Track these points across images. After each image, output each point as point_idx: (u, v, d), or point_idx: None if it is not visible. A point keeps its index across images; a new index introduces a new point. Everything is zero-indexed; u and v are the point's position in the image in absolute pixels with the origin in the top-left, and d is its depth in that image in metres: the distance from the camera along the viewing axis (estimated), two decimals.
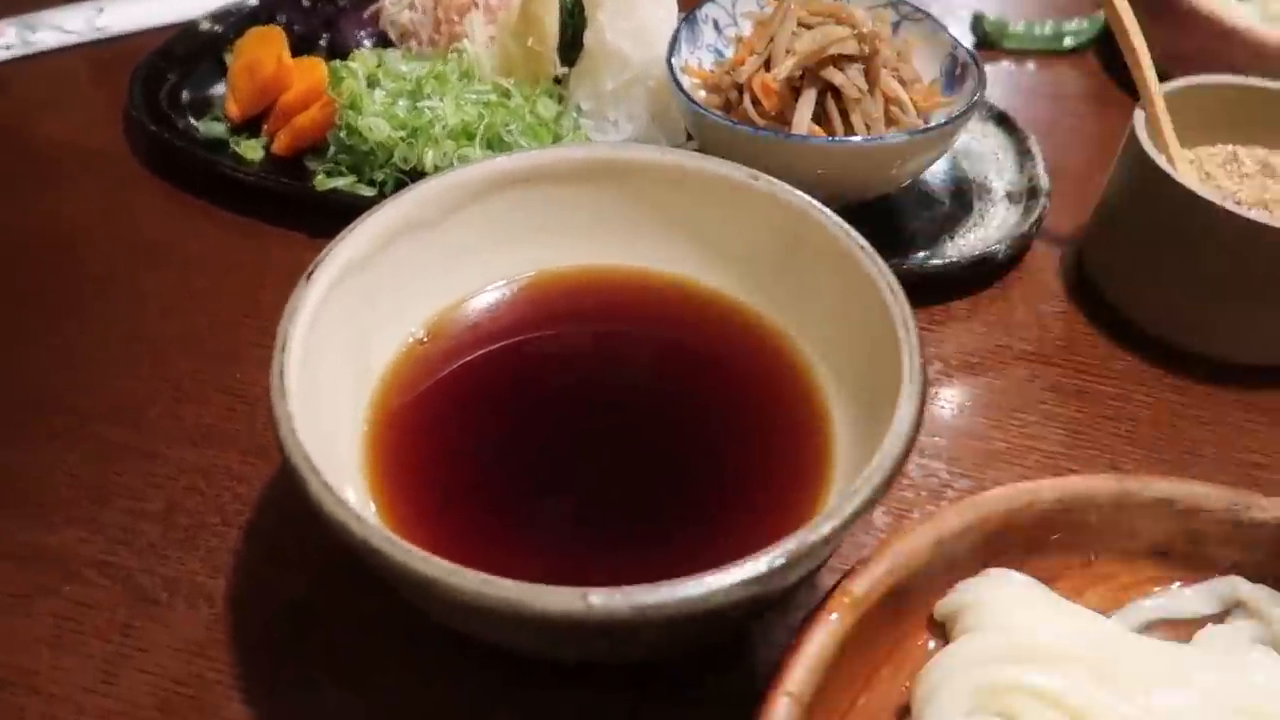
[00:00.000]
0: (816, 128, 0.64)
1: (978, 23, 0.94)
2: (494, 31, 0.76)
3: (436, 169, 0.67)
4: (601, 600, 0.33)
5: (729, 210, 0.52)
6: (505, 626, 0.36)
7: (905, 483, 0.55)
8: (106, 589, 0.49)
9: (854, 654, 0.40)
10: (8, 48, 0.87)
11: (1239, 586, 0.43)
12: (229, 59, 0.79)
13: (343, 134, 0.67)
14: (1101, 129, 0.85)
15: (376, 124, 0.67)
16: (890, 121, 0.66)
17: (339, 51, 0.79)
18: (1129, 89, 0.65)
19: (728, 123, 0.63)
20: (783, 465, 0.47)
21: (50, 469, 0.54)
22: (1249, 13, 0.85)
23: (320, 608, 0.48)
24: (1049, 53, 0.94)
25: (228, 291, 0.65)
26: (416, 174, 0.68)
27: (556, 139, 0.71)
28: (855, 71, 0.64)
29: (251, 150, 0.72)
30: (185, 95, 0.78)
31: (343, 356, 0.47)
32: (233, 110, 0.75)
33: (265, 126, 0.74)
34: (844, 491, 0.37)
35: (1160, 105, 0.63)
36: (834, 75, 0.63)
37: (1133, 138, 0.63)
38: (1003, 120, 0.78)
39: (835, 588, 0.39)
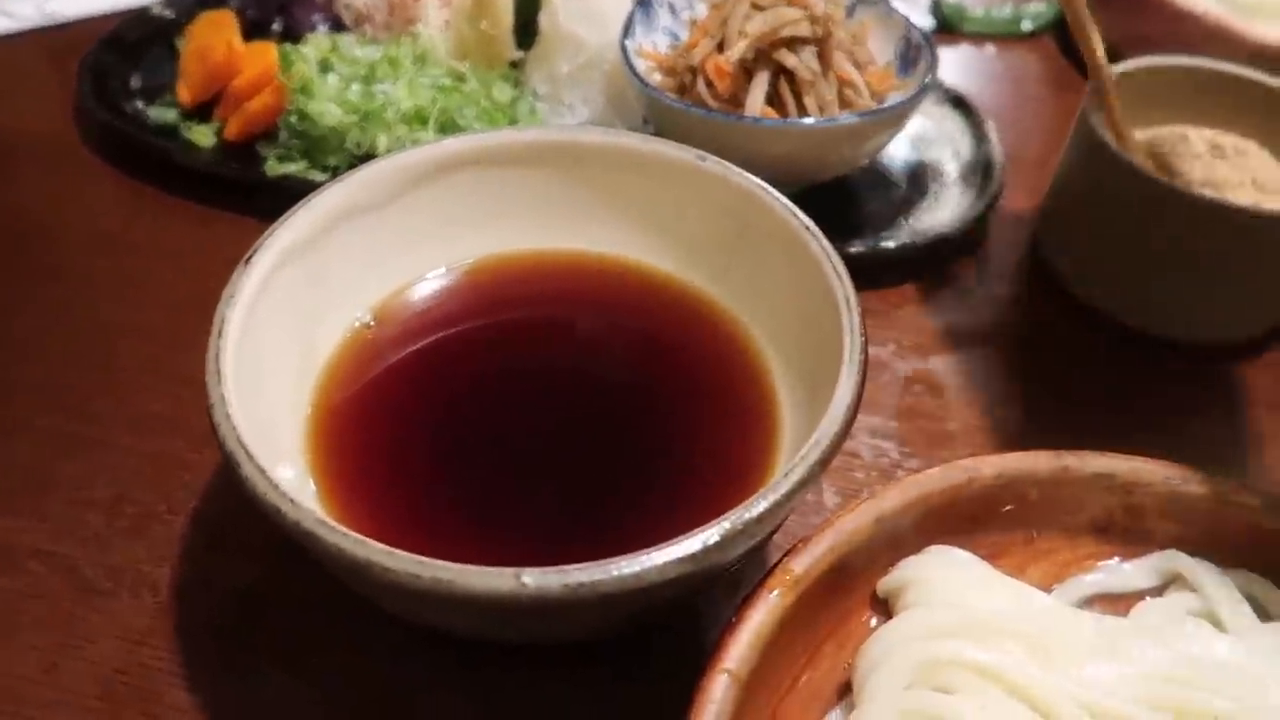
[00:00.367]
0: (770, 110, 0.64)
1: (937, 6, 0.94)
2: (449, 15, 0.75)
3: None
4: (534, 580, 0.33)
5: (678, 192, 0.52)
6: (441, 608, 0.36)
7: (856, 463, 0.56)
8: (49, 579, 0.48)
9: (795, 631, 0.40)
10: None
11: (1177, 560, 0.43)
12: (181, 44, 0.78)
13: (293, 119, 0.67)
14: (1058, 111, 0.85)
15: (328, 108, 0.66)
16: (844, 104, 0.66)
17: (293, 36, 0.78)
18: (1086, 72, 0.65)
19: (680, 105, 0.63)
20: (732, 447, 0.48)
21: None
22: None
23: (267, 594, 0.47)
24: (1008, 36, 0.94)
25: (178, 278, 0.64)
26: (369, 159, 0.67)
27: (512, 123, 0.71)
28: (809, 54, 0.64)
29: (203, 136, 0.72)
30: (137, 81, 0.77)
31: (286, 341, 0.46)
32: (184, 96, 0.74)
33: (217, 112, 0.73)
34: (783, 472, 0.37)
35: (1111, 86, 0.63)
36: (787, 57, 0.63)
37: (1083, 118, 0.63)
38: (959, 103, 0.78)
39: (776, 565, 0.39)
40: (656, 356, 0.52)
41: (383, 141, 0.67)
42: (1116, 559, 0.45)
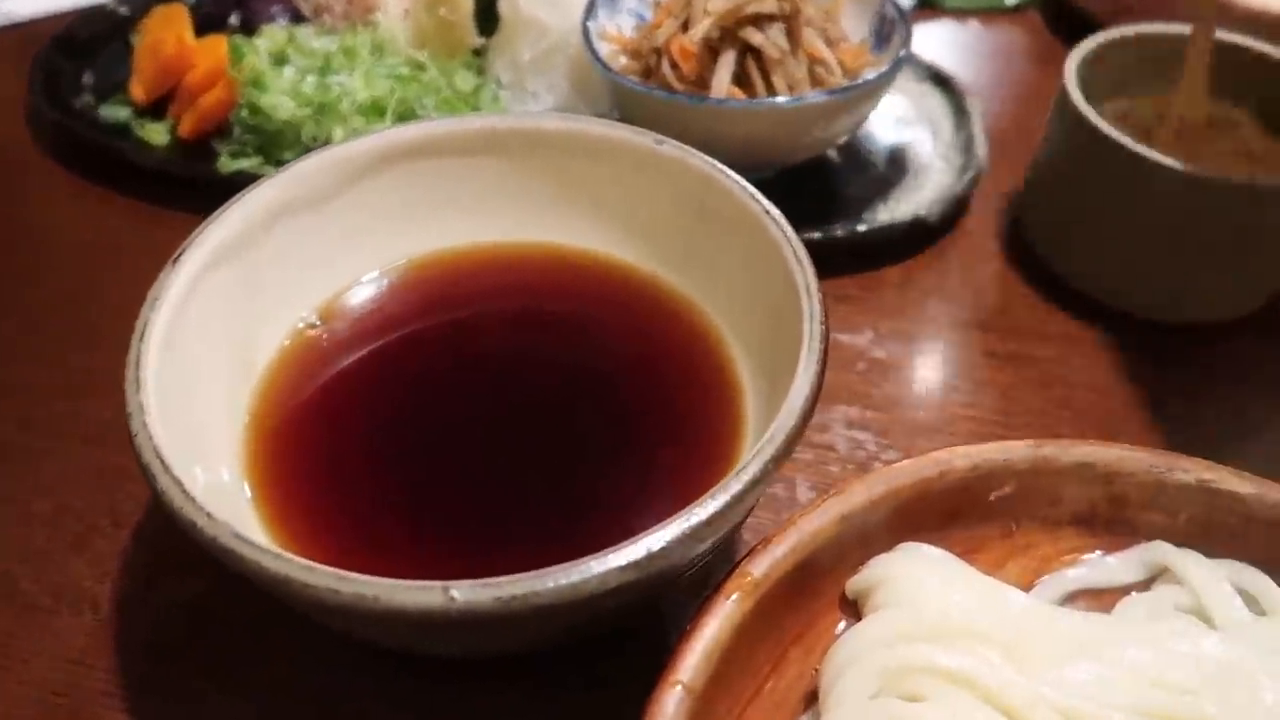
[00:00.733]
0: (737, 90, 0.62)
1: None
2: (409, 3, 0.73)
3: None
4: (463, 594, 0.30)
5: (637, 178, 0.50)
6: (368, 624, 0.34)
7: (831, 456, 0.53)
8: None
9: (757, 637, 0.38)
10: None
11: (1163, 552, 0.41)
12: (136, 41, 0.76)
13: (245, 114, 0.65)
14: (1044, 87, 0.82)
15: (281, 102, 0.64)
16: (816, 82, 0.63)
17: (251, 29, 0.76)
18: (1072, 46, 0.63)
19: (642, 89, 0.60)
20: (696, 442, 0.45)
21: None
22: None
23: (209, 609, 0.45)
24: (992, 11, 0.91)
25: (128, 280, 0.61)
26: None
27: (475, 112, 0.69)
28: (776, 31, 0.62)
29: (156, 134, 0.69)
30: (91, 79, 0.75)
31: (222, 343, 0.44)
32: (138, 93, 0.72)
33: (171, 109, 0.71)
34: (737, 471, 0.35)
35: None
36: (753, 35, 0.61)
37: (1064, 93, 0.60)
38: (940, 80, 0.76)
39: (733, 569, 0.37)
40: (617, 350, 0.49)
41: (339, 134, 0.65)
42: (1099, 552, 0.42)
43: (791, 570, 0.38)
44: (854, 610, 0.41)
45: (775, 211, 0.45)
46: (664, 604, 0.46)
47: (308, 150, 0.65)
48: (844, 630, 0.40)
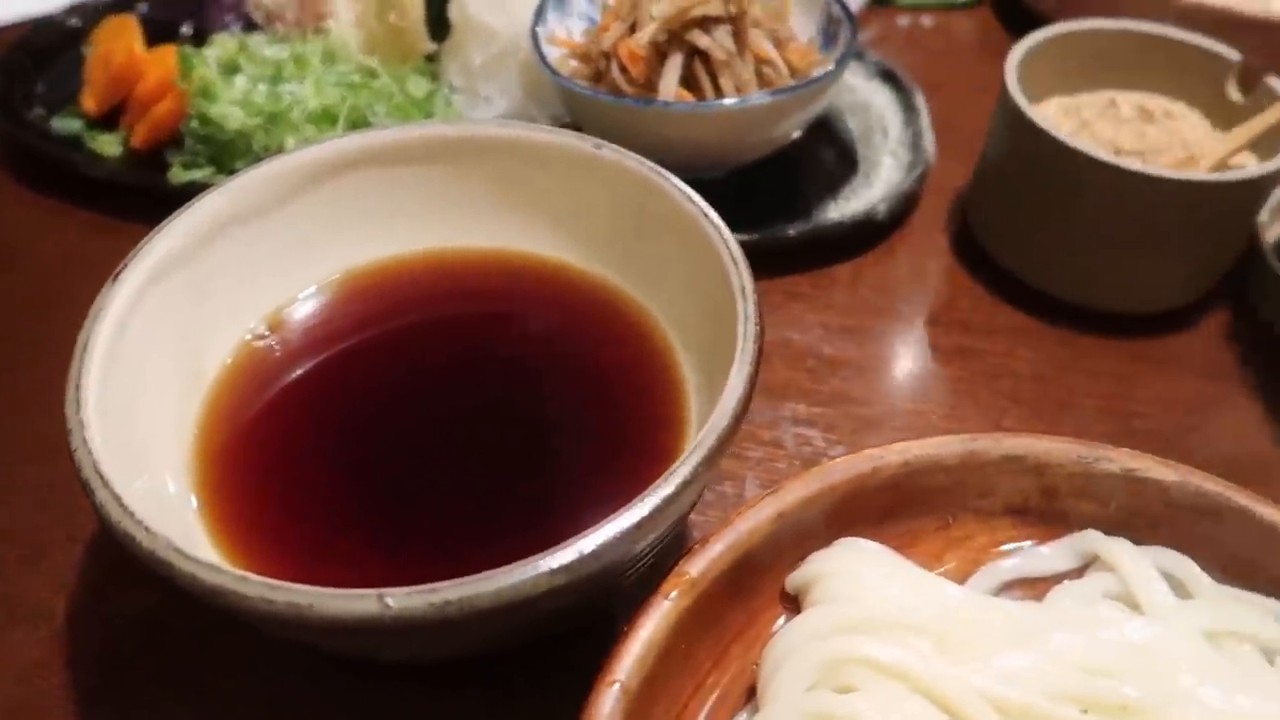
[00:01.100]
0: (685, 92, 0.62)
1: None
2: (360, 10, 0.73)
3: None
4: (398, 601, 0.31)
5: (579, 183, 0.50)
6: (310, 633, 0.35)
7: (780, 454, 0.54)
8: None
9: (697, 635, 0.39)
10: None
11: (1093, 540, 0.42)
12: (88, 52, 0.76)
13: (195, 124, 0.65)
14: (995, 83, 0.83)
15: (231, 112, 0.64)
16: (763, 82, 0.64)
17: (204, 38, 0.76)
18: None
19: (589, 93, 0.61)
20: (642, 443, 0.46)
21: None
22: None
23: (161, 622, 0.46)
24: (944, 7, 0.92)
25: (81, 294, 0.62)
26: None
27: (428, 117, 0.69)
28: (723, 33, 0.63)
29: (109, 145, 0.70)
30: (43, 91, 0.75)
31: (169, 356, 0.44)
32: (89, 104, 0.72)
33: (123, 120, 0.71)
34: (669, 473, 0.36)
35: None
36: (699, 38, 0.62)
37: (1005, 90, 0.61)
38: (891, 78, 0.77)
39: (670, 570, 0.38)
40: (563, 354, 0.50)
41: (290, 143, 0.65)
42: (1033, 542, 0.43)
43: (729, 568, 0.39)
44: (795, 605, 0.41)
45: (712, 213, 0.45)
46: (616, 605, 0.47)
47: (260, 160, 0.66)
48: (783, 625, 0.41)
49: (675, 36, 0.62)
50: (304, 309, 0.50)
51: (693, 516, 0.51)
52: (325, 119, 0.66)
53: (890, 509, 0.43)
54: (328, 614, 0.31)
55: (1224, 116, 0.63)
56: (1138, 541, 0.42)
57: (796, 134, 0.67)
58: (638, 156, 0.48)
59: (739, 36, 0.63)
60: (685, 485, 0.35)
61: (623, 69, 0.63)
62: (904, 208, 0.68)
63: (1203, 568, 0.41)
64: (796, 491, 0.40)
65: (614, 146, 0.49)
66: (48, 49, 0.78)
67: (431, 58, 0.72)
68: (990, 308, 0.63)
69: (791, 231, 0.64)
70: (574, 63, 0.67)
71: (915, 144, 0.70)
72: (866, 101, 0.75)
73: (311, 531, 0.42)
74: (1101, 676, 0.36)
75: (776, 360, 0.59)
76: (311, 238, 0.50)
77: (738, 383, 0.38)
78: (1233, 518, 0.41)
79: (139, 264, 0.43)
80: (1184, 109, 0.65)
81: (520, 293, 0.51)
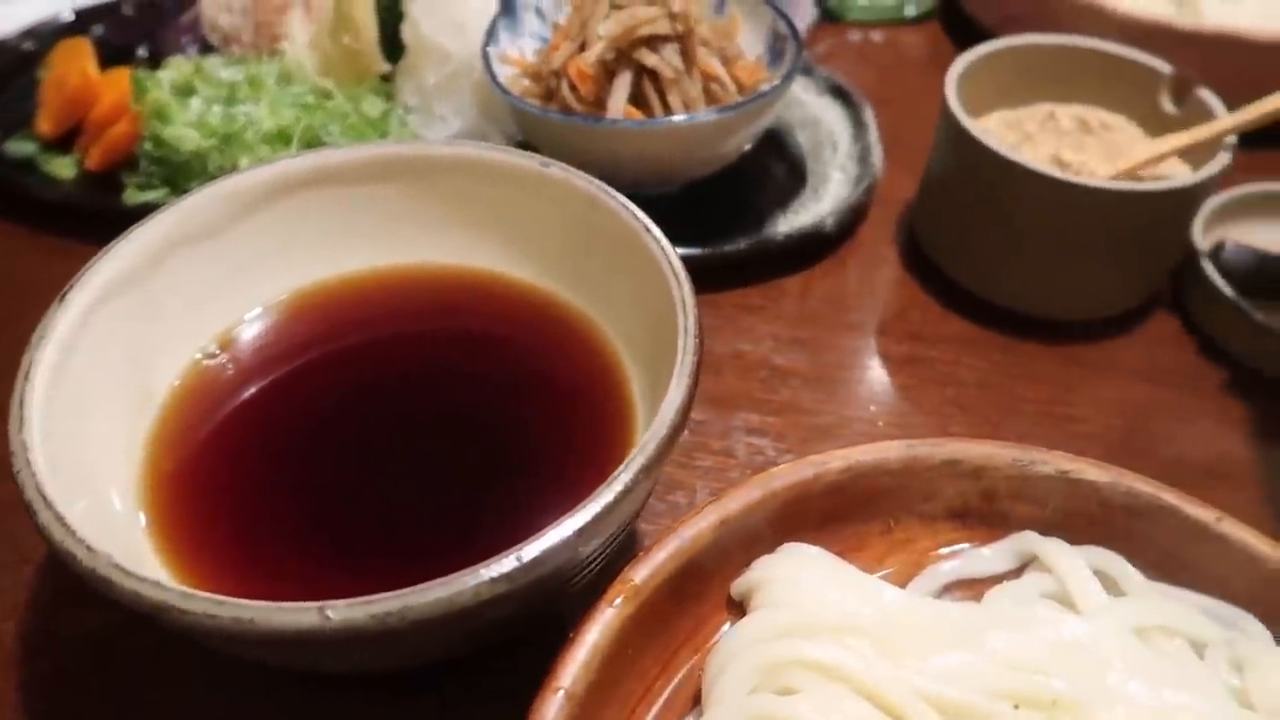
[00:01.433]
0: (634, 110, 0.63)
1: None
2: (314, 32, 0.73)
3: None
4: (339, 613, 0.32)
5: (527, 200, 0.51)
6: (256, 647, 0.35)
7: (731, 463, 0.55)
8: None
9: (643, 641, 0.39)
10: None
11: (1030, 541, 0.43)
12: (42, 75, 0.76)
13: (149, 146, 0.65)
14: (941, 97, 0.85)
15: (185, 133, 0.65)
16: (711, 99, 0.65)
17: (159, 60, 0.76)
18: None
19: (538, 111, 0.62)
20: (591, 453, 0.47)
21: None
22: None
23: (110, 641, 0.46)
24: (893, 22, 0.94)
25: (33, 316, 0.62)
26: None
27: (383, 137, 0.70)
28: (670, 51, 0.64)
29: (64, 168, 0.70)
30: None
31: (119, 375, 0.45)
32: (44, 127, 0.72)
33: (79, 142, 0.71)
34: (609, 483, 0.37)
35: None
36: (647, 57, 0.63)
37: (945, 102, 0.63)
38: (840, 93, 0.78)
39: (615, 577, 0.38)
40: (514, 368, 0.51)
41: (244, 164, 0.65)
42: (974, 544, 0.44)
43: (674, 574, 0.40)
44: (741, 611, 0.42)
45: (655, 229, 0.46)
46: (566, 612, 0.47)
47: (215, 180, 0.66)
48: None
49: (624, 55, 0.63)
50: (254, 327, 0.50)
51: (643, 526, 0.51)
52: (280, 139, 0.66)
53: (834, 514, 0.44)
54: (270, 627, 0.31)
55: (1159, 127, 0.65)
56: (1074, 541, 0.43)
57: (746, 148, 0.68)
58: (584, 174, 0.49)
59: (687, 54, 0.64)
60: (625, 493, 0.36)
61: (573, 87, 0.64)
62: (852, 220, 0.69)
63: (1136, 565, 0.42)
64: (740, 498, 0.41)
65: (562, 165, 0.50)
66: (1, 72, 0.78)
67: (386, 78, 0.73)
68: (937, 317, 0.65)
69: (742, 245, 0.65)
70: (526, 82, 0.68)
71: (864, 158, 0.72)
72: (817, 116, 0.77)
73: (260, 548, 0.42)
74: (1034, 673, 0.37)
75: (728, 371, 0.60)
76: (264, 257, 0.50)
77: (677, 394, 0.39)
78: (1163, 516, 0.42)
79: (86, 285, 0.43)
80: (1121, 121, 0.67)
81: (472, 309, 0.52)
